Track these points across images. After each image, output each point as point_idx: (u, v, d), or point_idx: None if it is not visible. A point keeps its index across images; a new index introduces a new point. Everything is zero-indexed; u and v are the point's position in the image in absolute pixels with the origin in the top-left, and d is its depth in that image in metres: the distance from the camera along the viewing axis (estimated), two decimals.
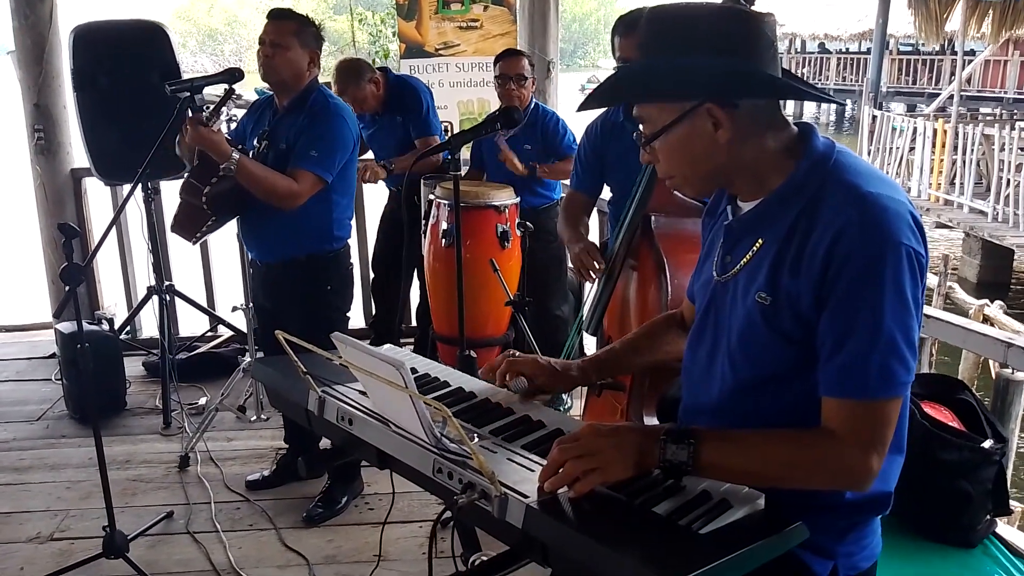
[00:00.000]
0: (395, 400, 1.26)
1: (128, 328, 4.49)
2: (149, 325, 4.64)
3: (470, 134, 2.73)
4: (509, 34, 4.61)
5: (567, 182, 4.00)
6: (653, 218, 2.36)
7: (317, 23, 2.79)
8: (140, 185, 3.70)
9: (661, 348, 1.67)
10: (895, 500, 2.10)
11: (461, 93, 4.73)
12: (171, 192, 4.19)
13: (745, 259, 1.30)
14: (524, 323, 3.26)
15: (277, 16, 2.74)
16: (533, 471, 1.25)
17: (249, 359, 3.73)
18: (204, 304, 4.53)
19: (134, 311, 4.41)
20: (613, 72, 1.46)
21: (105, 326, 4.13)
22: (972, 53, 13.86)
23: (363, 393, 1.47)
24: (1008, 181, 9.02)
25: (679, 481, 1.22)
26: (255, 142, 2.80)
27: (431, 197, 3.58)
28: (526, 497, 1.17)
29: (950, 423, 2.11)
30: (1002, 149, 9.15)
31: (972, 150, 9.81)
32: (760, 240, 1.28)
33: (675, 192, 2.44)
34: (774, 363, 1.27)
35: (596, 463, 1.18)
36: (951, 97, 12.87)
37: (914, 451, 2.02)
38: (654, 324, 1.72)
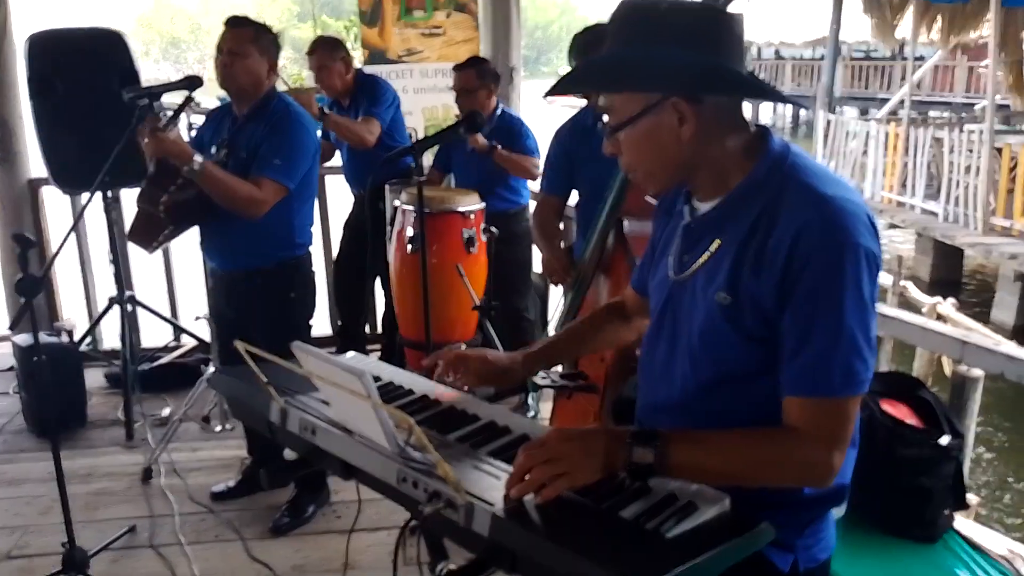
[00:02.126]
0: (358, 410, 1.25)
1: (89, 339, 4.40)
2: (110, 335, 4.56)
3: (434, 139, 2.74)
4: (472, 40, 4.62)
5: (533, 187, 4.04)
6: (626, 222, 2.39)
7: (275, 30, 2.77)
8: (100, 194, 3.68)
9: (604, 337, 1.70)
10: (858, 497, 2.14)
11: (426, 99, 4.73)
12: (131, 200, 4.14)
13: (703, 258, 1.31)
14: (491, 327, 3.26)
15: (235, 24, 2.72)
16: (499, 478, 1.24)
17: (213, 369, 3.69)
18: (167, 314, 4.47)
19: (95, 322, 4.33)
20: (587, 60, 1.47)
21: (65, 338, 4.05)
22: (922, 59, 14.14)
23: (326, 403, 1.46)
24: (958, 183, 9.23)
25: (646, 483, 1.22)
26: (214, 150, 2.77)
27: (396, 203, 3.58)
28: (492, 505, 1.16)
29: (909, 420, 2.15)
30: (952, 151, 9.36)
31: (923, 153, 10.03)
32: (718, 240, 1.29)
33: (647, 196, 2.50)
34: (736, 362, 1.28)
35: (563, 468, 1.17)
36: (902, 101, 13.15)
37: (875, 449, 2.08)
38: (596, 314, 1.74)
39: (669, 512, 1.16)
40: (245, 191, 2.60)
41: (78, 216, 2.69)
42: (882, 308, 1.44)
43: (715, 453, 1.23)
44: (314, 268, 3.00)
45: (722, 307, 1.25)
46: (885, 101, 16.22)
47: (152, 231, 2.66)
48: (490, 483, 1.23)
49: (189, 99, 2.63)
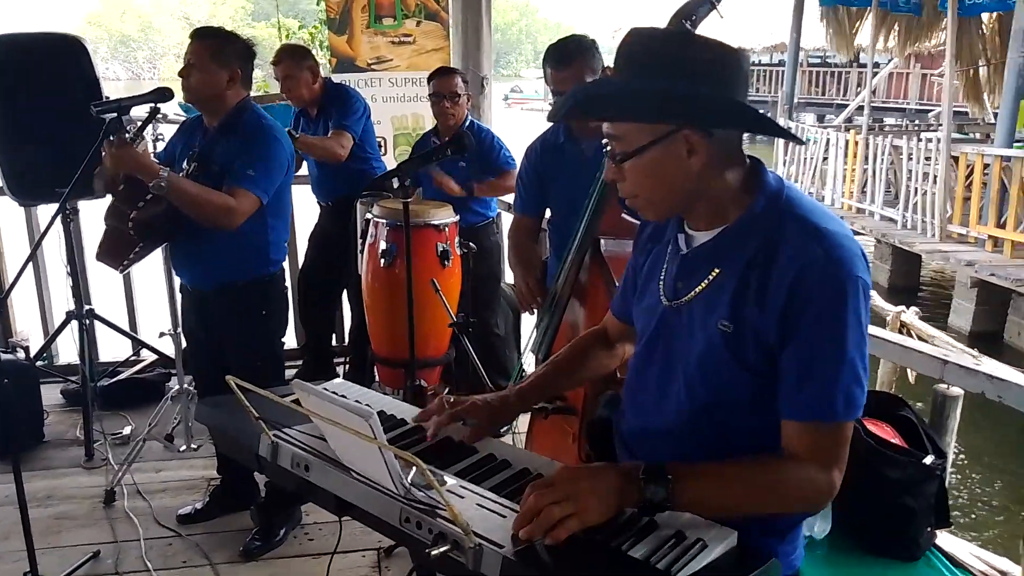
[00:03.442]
0: (360, 449, 1.20)
1: (44, 355, 4.26)
2: (66, 351, 4.42)
3: (419, 161, 2.71)
4: (442, 49, 4.58)
5: (506, 198, 4.01)
6: (603, 242, 2.36)
7: (247, 40, 2.70)
8: (58, 206, 3.56)
9: (589, 366, 1.70)
10: (842, 516, 2.15)
11: (395, 108, 4.67)
12: (89, 213, 4.02)
13: (701, 287, 1.33)
14: (468, 344, 3.22)
15: (195, 35, 2.67)
16: (505, 516, 1.22)
17: (177, 385, 3.59)
18: (126, 327, 4.34)
19: (51, 337, 4.19)
20: (589, 84, 1.45)
21: (20, 354, 3.91)
22: (877, 66, 14.46)
23: (319, 437, 1.41)
24: (916, 190, 9.42)
25: (653, 519, 1.22)
26: (185, 163, 2.69)
27: (368, 216, 3.52)
28: (501, 547, 1.13)
29: (892, 440, 2.17)
30: (910, 159, 9.55)
31: (882, 160, 10.22)
32: (717, 270, 1.31)
33: (624, 215, 2.48)
34: (734, 389, 1.30)
35: (573, 508, 1.15)
36: (859, 107, 13.43)
37: (859, 468, 2.07)
38: (581, 343, 1.74)
39: (679, 551, 1.16)
40: (218, 201, 2.53)
41: (44, 230, 2.59)
42: None
43: (724, 485, 1.25)
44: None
45: (724, 335, 1.28)
46: (842, 107, 16.56)
47: (121, 249, 2.57)
48: (496, 522, 1.21)
49: (155, 111, 2.54)
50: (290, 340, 4.47)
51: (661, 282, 1.41)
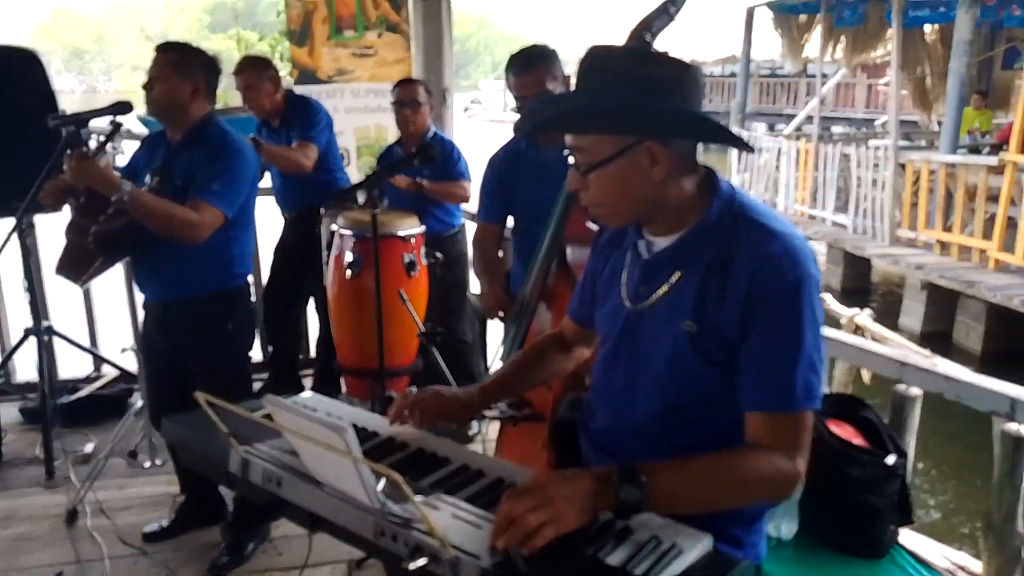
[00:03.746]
0: (333, 463, 1.21)
1: (0, 372, 4.16)
2: (24, 368, 4.33)
3: (387, 172, 2.72)
4: (404, 61, 4.59)
5: (467, 208, 4.02)
6: (569, 249, 2.39)
7: (212, 55, 2.68)
8: (15, 220, 3.49)
9: (546, 367, 1.77)
10: (807, 516, 2.20)
11: (357, 119, 4.66)
12: (45, 227, 3.94)
13: (663, 290, 1.40)
14: (437, 354, 3.22)
15: (159, 49, 2.65)
16: (481, 527, 1.22)
17: (140, 401, 3.54)
18: (86, 343, 4.26)
19: (8, 354, 4.09)
20: (555, 98, 1.51)
21: None
22: (825, 76, 14.78)
23: (290, 452, 1.41)
24: (865, 196, 9.64)
25: (628, 525, 1.23)
26: (148, 178, 2.66)
27: (333, 227, 3.51)
28: (478, 558, 1.14)
29: (854, 440, 2.22)
30: (859, 167, 9.77)
31: (832, 168, 10.44)
32: (678, 273, 1.38)
33: (588, 223, 2.51)
34: (700, 386, 1.37)
35: (549, 514, 1.17)
36: (809, 117, 13.70)
37: (824, 468, 2.13)
38: (539, 345, 1.80)
39: (655, 557, 1.17)
40: (180, 215, 2.50)
41: (2, 245, 2.54)
42: (825, 331, 1.51)
43: (695, 481, 1.29)
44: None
45: (689, 335, 1.35)
46: (791, 117, 16.84)
47: (82, 263, 2.54)
48: (472, 533, 1.21)
49: (118, 125, 2.52)
50: (256, 352, 4.46)
51: (623, 286, 1.48)
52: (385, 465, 1.15)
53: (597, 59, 1.34)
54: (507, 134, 2.58)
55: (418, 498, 1.16)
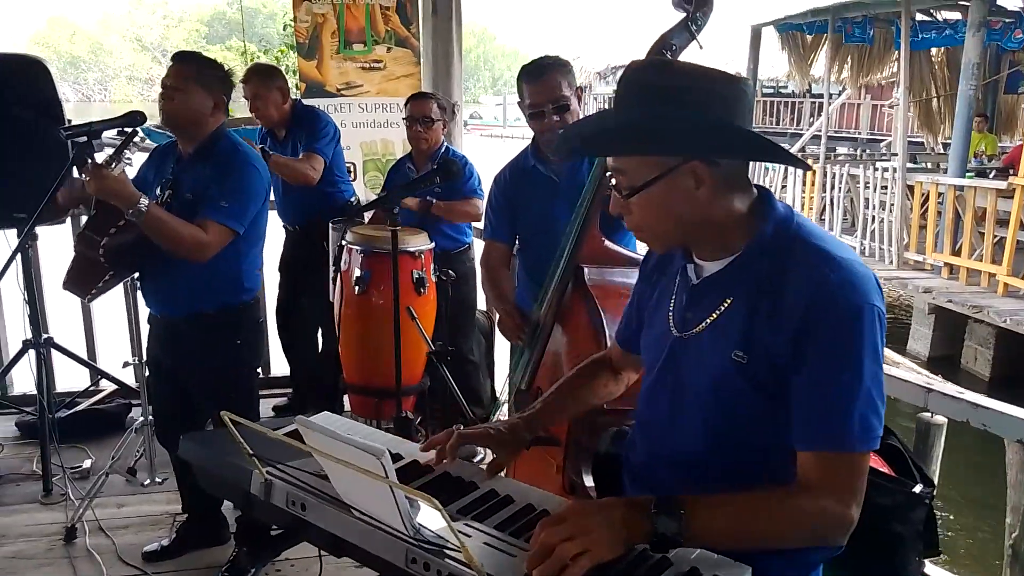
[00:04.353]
0: (365, 487, 1.15)
1: None
2: (20, 381, 4.26)
3: (406, 190, 2.68)
4: (413, 75, 4.56)
5: (477, 225, 3.97)
6: (586, 270, 2.34)
7: (227, 68, 2.64)
8: (16, 231, 3.44)
9: (595, 392, 1.69)
10: None
11: (364, 134, 4.62)
12: (48, 239, 3.89)
13: (712, 317, 1.32)
14: (447, 372, 3.16)
15: (178, 59, 2.59)
16: (514, 555, 1.18)
17: (141, 417, 3.47)
18: (84, 356, 4.19)
19: (7, 367, 4.02)
20: (593, 119, 1.44)
21: None
22: (822, 96, 14.82)
23: (314, 474, 1.35)
24: (873, 218, 9.62)
25: (666, 555, 1.18)
26: (158, 191, 2.61)
27: (342, 242, 3.46)
28: None
29: (880, 468, 2.16)
30: (866, 188, 9.76)
31: (839, 189, 10.43)
32: (728, 299, 1.30)
33: (606, 243, 2.46)
34: (750, 417, 1.29)
35: (585, 544, 1.12)
36: (812, 137, 13.71)
37: None
38: (585, 369, 1.72)
39: None
40: (189, 234, 2.44)
41: (10, 258, 2.49)
42: None
43: (737, 517, 1.22)
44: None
45: (738, 365, 1.27)
46: (796, 136, 16.87)
47: (90, 278, 2.48)
48: (505, 561, 1.17)
49: (133, 135, 2.47)
50: (278, 368, 4.41)
51: (670, 313, 1.39)
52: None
53: (637, 75, 1.27)
54: (506, 149, 2.53)
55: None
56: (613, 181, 1.29)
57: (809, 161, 11.43)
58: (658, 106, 1.22)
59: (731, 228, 1.29)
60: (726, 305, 1.30)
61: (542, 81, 2.55)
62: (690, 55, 2.43)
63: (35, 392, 3.50)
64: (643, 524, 1.17)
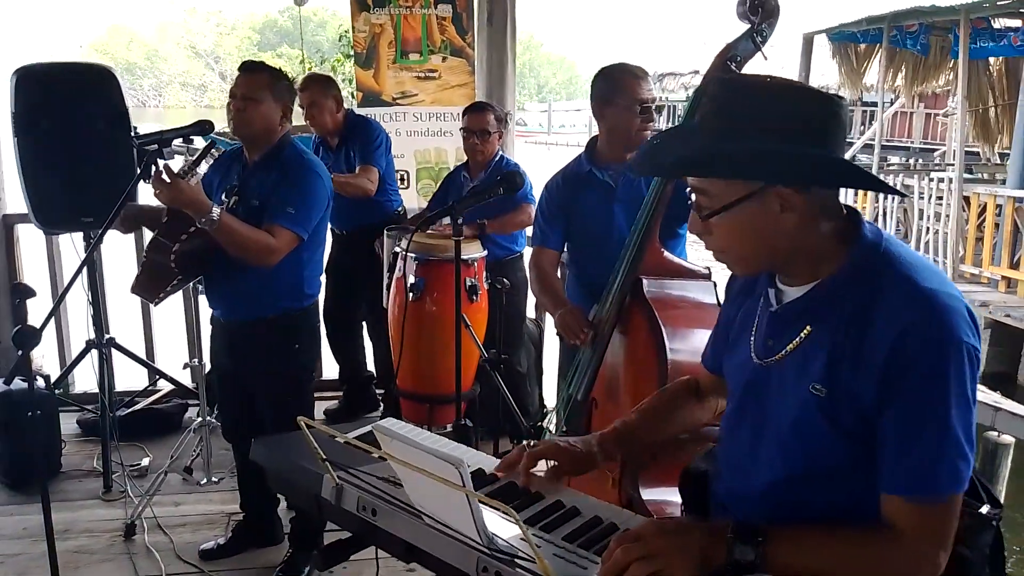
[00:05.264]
0: (441, 495, 1.17)
1: (61, 383, 4.21)
2: (81, 379, 4.37)
3: (472, 199, 2.72)
4: (467, 85, 4.59)
5: (529, 232, 3.98)
6: (645, 282, 2.33)
7: (291, 77, 2.70)
8: (82, 234, 3.55)
9: (680, 417, 1.63)
10: None
11: (418, 142, 4.67)
12: (112, 242, 3.99)
13: (792, 345, 1.27)
14: (500, 380, 3.18)
15: (249, 69, 2.65)
16: (584, 568, 1.19)
17: (200, 417, 3.54)
18: (143, 356, 4.30)
19: (70, 366, 4.13)
20: (673, 135, 1.40)
21: (41, 383, 3.86)
22: (874, 104, 14.55)
23: (385, 479, 1.37)
24: (927, 229, 9.43)
25: None
26: (223, 197, 2.67)
27: (397, 249, 3.50)
28: None
29: None
30: (921, 198, 9.56)
31: (893, 199, 10.23)
32: (808, 327, 1.25)
33: (666, 255, 2.45)
34: (828, 455, 1.23)
35: (659, 566, 1.12)
36: (863, 145, 13.46)
37: None
38: (673, 392, 1.67)
39: None
40: (259, 240, 2.50)
41: (85, 258, 2.57)
42: None
43: (817, 553, 1.19)
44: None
45: (817, 399, 1.22)
46: (847, 144, 16.60)
47: (159, 283, 2.54)
48: (576, 573, 1.18)
49: (211, 146, 2.54)
50: (328, 371, 4.48)
51: (752, 338, 1.35)
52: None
53: (720, 92, 1.23)
54: (551, 156, 2.53)
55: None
56: (693, 198, 1.25)
57: None
58: (742, 129, 1.17)
59: (816, 253, 1.24)
60: (805, 334, 1.24)
61: (648, 79, 2.61)
62: (754, 66, 2.43)
63: (96, 391, 3.60)
64: (720, 551, 1.15)
